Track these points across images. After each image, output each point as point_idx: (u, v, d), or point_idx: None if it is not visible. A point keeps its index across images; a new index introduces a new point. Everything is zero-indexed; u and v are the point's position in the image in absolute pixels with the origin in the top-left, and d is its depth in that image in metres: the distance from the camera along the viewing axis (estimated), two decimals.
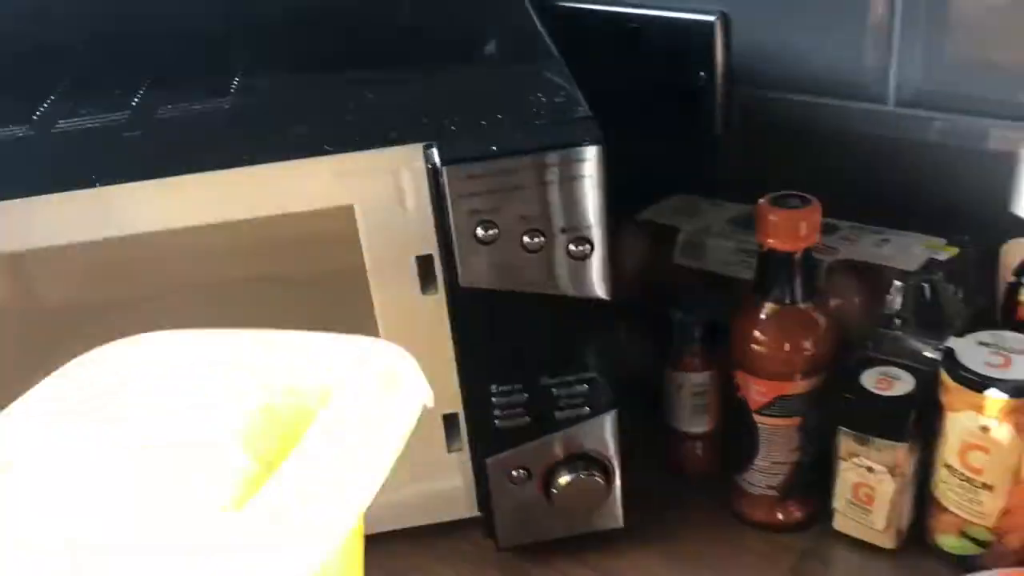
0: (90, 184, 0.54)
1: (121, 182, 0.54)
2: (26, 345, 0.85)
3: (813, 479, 0.67)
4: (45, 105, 0.64)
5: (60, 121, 0.62)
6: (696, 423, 0.71)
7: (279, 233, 0.81)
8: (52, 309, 0.89)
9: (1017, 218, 0.68)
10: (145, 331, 0.88)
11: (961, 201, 0.69)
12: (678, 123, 0.78)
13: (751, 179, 0.65)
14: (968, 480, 0.60)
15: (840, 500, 0.65)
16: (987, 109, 0.66)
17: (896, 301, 0.63)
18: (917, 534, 0.65)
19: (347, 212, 0.57)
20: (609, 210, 0.57)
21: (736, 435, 0.67)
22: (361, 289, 0.61)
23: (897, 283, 0.63)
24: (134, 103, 0.64)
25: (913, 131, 0.69)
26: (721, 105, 0.75)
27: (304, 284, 0.83)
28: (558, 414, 0.61)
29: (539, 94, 0.58)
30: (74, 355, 0.84)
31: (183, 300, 0.86)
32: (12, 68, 0.71)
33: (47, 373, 0.82)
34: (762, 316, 0.62)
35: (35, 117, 0.63)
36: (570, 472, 0.63)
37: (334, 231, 0.67)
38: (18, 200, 0.54)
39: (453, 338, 0.60)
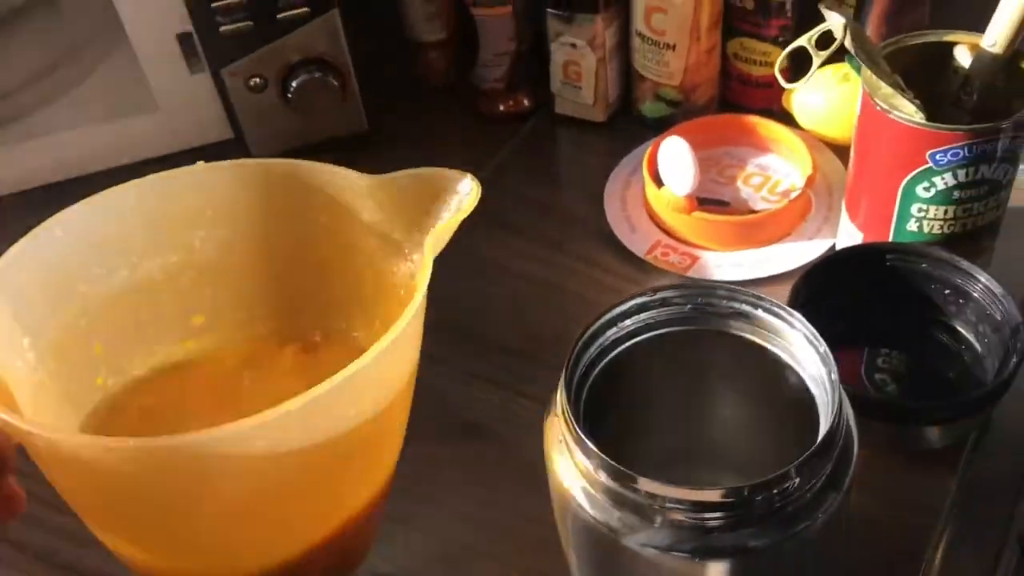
0: None
1: None
2: None
3: (534, 72, 0.73)
4: None
5: None
6: (431, 31, 0.75)
7: None
8: None
9: None
10: None
11: None
12: None
13: None
14: (655, 43, 0.67)
15: (556, 82, 0.72)
16: None
17: None
18: (625, 109, 0.73)
19: None
20: None
21: (464, 38, 0.73)
22: None
23: None
24: None
25: None
26: None
27: None
28: (279, 16, 0.65)
29: None
30: None
31: None
32: None
33: None
34: None
35: None
36: (304, 74, 0.68)
37: None
38: None
39: None
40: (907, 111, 0.50)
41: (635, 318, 0.39)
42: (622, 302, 0.38)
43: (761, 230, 0.62)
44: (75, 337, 0.42)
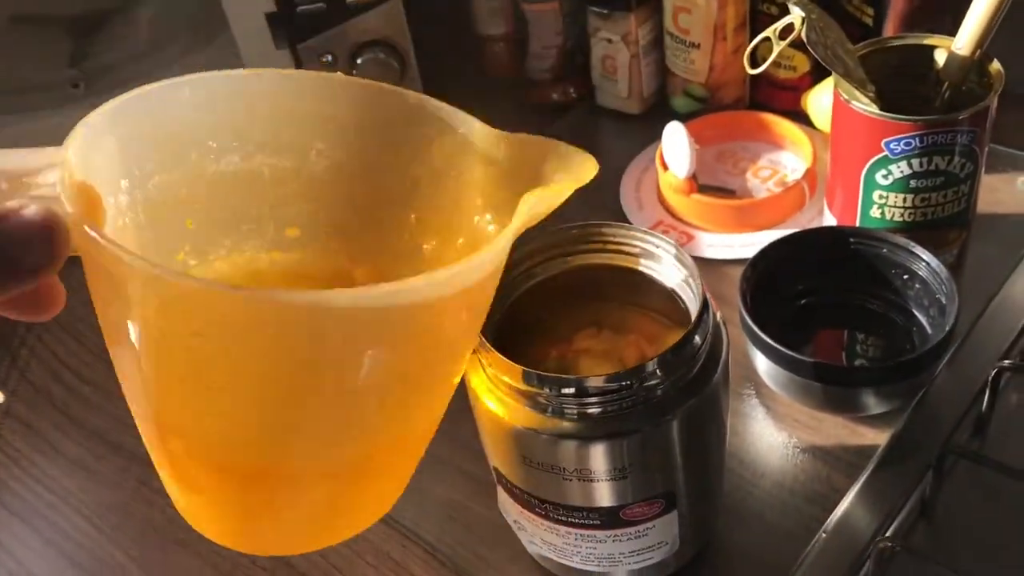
0: None
1: None
2: None
3: (581, 64, 0.80)
4: None
5: None
6: (494, 25, 0.83)
7: None
8: None
9: None
10: None
11: None
12: None
13: None
14: (682, 41, 0.73)
15: (596, 75, 0.79)
16: None
17: None
18: (662, 103, 0.79)
19: None
20: None
21: (521, 31, 0.80)
22: None
23: None
24: None
25: None
26: None
27: None
28: (349, 1, 0.74)
29: None
30: None
31: None
32: None
33: None
34: None
35: None
36: (368, 54, 0.77)
37: None
38: None
39: None
40: (863, 101, 0.54)
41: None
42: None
43: (755, 215, 0.66)
44: (171, 202, 0.39)
